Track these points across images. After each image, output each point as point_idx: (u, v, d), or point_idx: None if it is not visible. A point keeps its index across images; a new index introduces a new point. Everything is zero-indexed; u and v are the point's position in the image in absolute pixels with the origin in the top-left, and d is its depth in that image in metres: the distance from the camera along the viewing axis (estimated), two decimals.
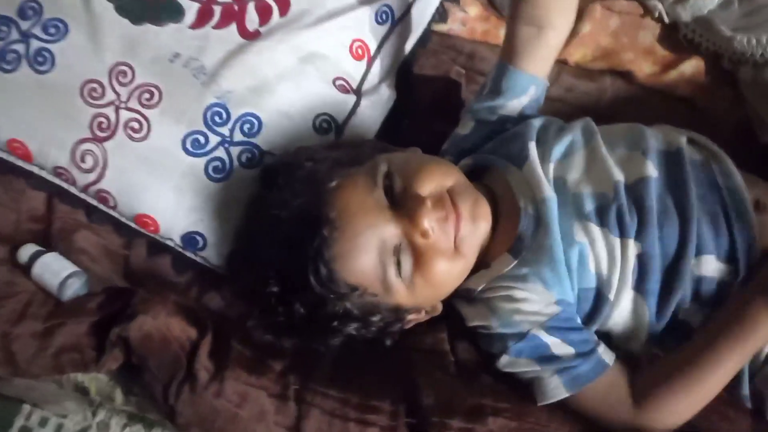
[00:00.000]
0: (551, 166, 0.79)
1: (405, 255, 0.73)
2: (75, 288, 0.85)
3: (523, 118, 0.86)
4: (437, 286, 0.76)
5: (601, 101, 1.01)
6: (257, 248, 0.77)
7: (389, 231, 0.72)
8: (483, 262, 0.78)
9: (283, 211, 0.73)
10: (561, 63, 1.00)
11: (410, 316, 0.79)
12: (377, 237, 0.72)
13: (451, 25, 1.05)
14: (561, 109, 0.97)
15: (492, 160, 0.83)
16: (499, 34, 1.00)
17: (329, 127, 0.89)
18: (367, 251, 0.72)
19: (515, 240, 0.77)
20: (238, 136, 0.85)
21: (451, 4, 1.02)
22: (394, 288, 0.73)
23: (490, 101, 0.87)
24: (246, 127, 0.86)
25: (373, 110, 0.93)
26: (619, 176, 0.76)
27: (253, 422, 0.76)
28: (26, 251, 0.86)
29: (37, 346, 0.80)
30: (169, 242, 0.88)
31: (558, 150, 0.80)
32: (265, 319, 0.77)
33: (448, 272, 0.75)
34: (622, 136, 0.81)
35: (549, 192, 0.76)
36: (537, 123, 0.84)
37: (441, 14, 1.02)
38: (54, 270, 0.85)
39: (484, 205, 0.77)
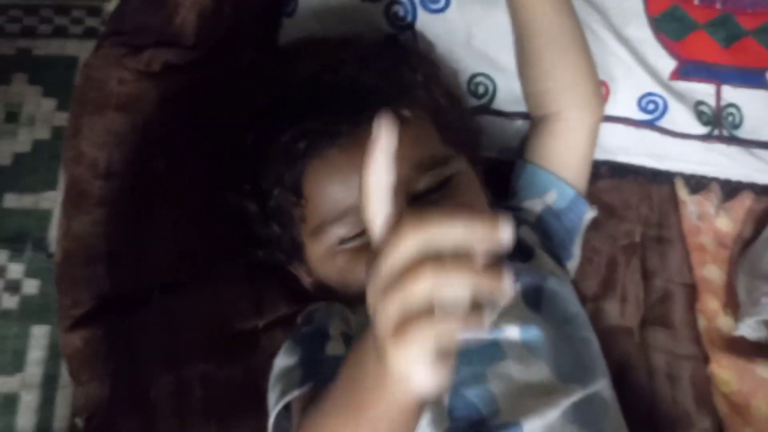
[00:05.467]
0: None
1: (362, 237, 0.61)
2: None
3: (542, 231, 0.73)
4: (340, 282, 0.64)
5: None
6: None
7: None
8: None
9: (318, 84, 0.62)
10: None
11: (301, 271, 0.69)
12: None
13: None
14: None
15: None
16: None
17: None
18: (346, 192, 0.60)
19: None
20: None
21: None
22: (321, 240, 0.62)
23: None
24: None
25: None
26: None
27: None
28: None
29: None
30: None
31: None
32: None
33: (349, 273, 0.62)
34: None
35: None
36: None
37: None
38: None
39: None
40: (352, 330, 0.63)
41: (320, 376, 0.55)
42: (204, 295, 0.69)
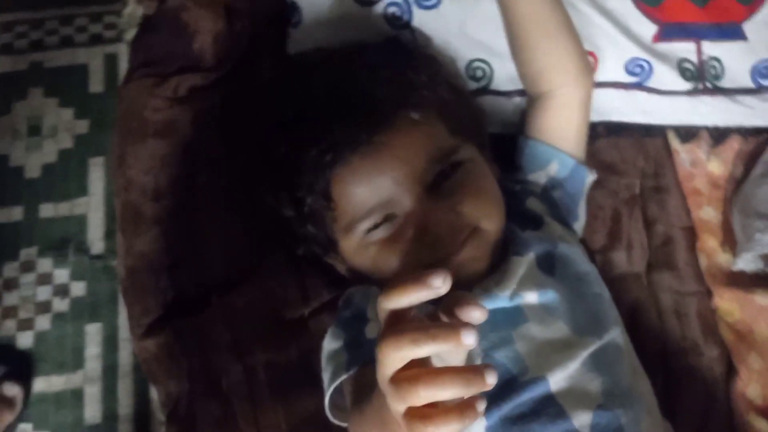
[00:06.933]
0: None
1: (388, 227, 0.68)
2: None
3: (548, 200, 0.79)
4: (373, 270, 0.70)
5: None
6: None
7: (404, 202, 0.67)
8: None
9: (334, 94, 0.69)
10: None
11: (337, 262, 0.76)
12: (389, 193, 0.67)
13: None
14: None
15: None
16: None
17: None
18: (371, 192, 0.67)
19: None
20: None
21: None
22: (352, 236, 0.69)
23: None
24: None
25: None
26: None
27: None
28: None
29: None
30: None
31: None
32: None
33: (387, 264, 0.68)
34: None
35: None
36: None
37: None
38: None
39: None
40: None
41: (363, 359, 0.63)
42: (255, 290, 0.77)
